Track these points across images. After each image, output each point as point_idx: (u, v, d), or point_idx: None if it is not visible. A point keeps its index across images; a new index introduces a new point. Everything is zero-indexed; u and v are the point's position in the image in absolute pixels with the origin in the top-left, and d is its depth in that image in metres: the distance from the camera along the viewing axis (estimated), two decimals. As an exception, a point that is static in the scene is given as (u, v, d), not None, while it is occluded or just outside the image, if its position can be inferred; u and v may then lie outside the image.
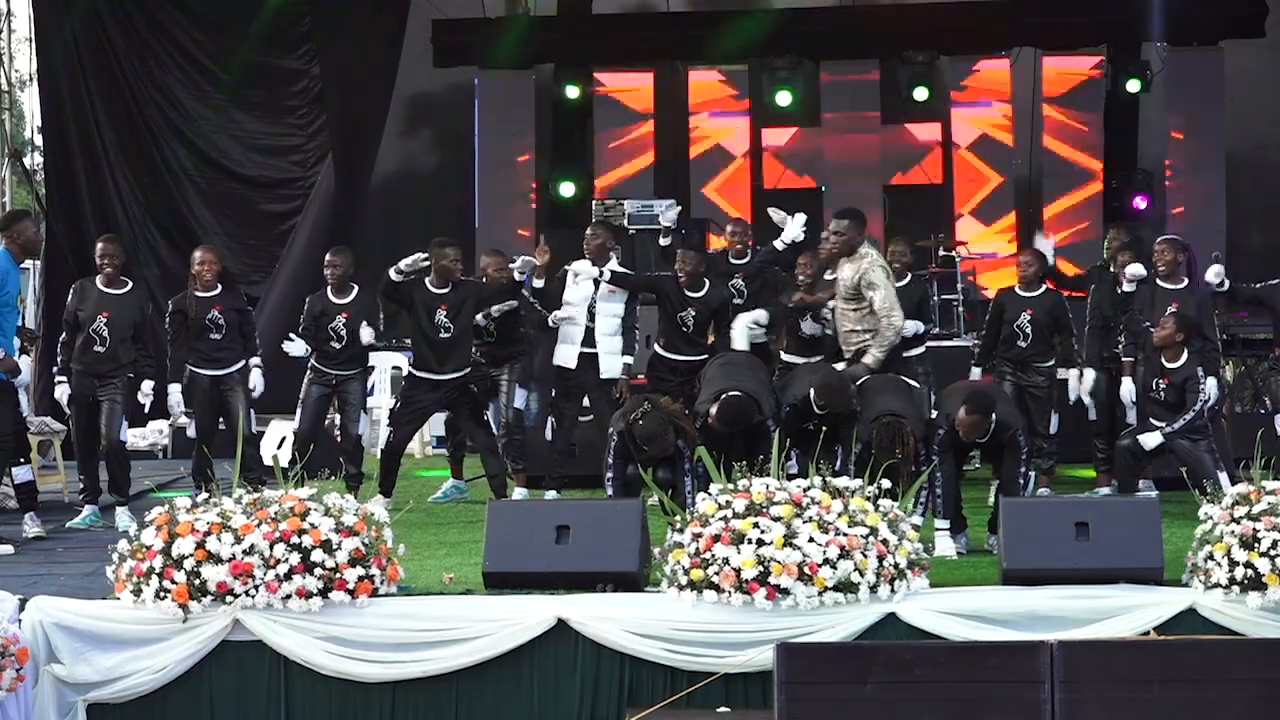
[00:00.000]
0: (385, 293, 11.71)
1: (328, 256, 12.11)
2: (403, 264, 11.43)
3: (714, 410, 10.02)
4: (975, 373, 11.89)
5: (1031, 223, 18.96)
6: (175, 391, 11.67)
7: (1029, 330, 11.75)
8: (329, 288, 12.00)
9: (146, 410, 11.95)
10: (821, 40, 19.00)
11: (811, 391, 10.05)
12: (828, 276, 11.24)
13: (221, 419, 11.74)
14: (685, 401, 10.71)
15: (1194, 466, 10.36)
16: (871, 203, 18.70)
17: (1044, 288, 11.91)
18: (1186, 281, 11.56)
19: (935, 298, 13.68)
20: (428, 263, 11.50)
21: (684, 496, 9.81)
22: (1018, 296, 11.92)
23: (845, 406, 9.97)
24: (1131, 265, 11.69)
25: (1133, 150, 19.29)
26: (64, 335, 11.54)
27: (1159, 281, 11.54)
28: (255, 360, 11.81)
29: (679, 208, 13.34)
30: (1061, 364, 11.85)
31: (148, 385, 11.44)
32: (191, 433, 11.82)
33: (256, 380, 11.77)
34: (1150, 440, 10.65)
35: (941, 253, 16.09)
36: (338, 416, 12.27)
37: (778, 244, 11.97)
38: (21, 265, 11.11)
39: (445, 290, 11.57)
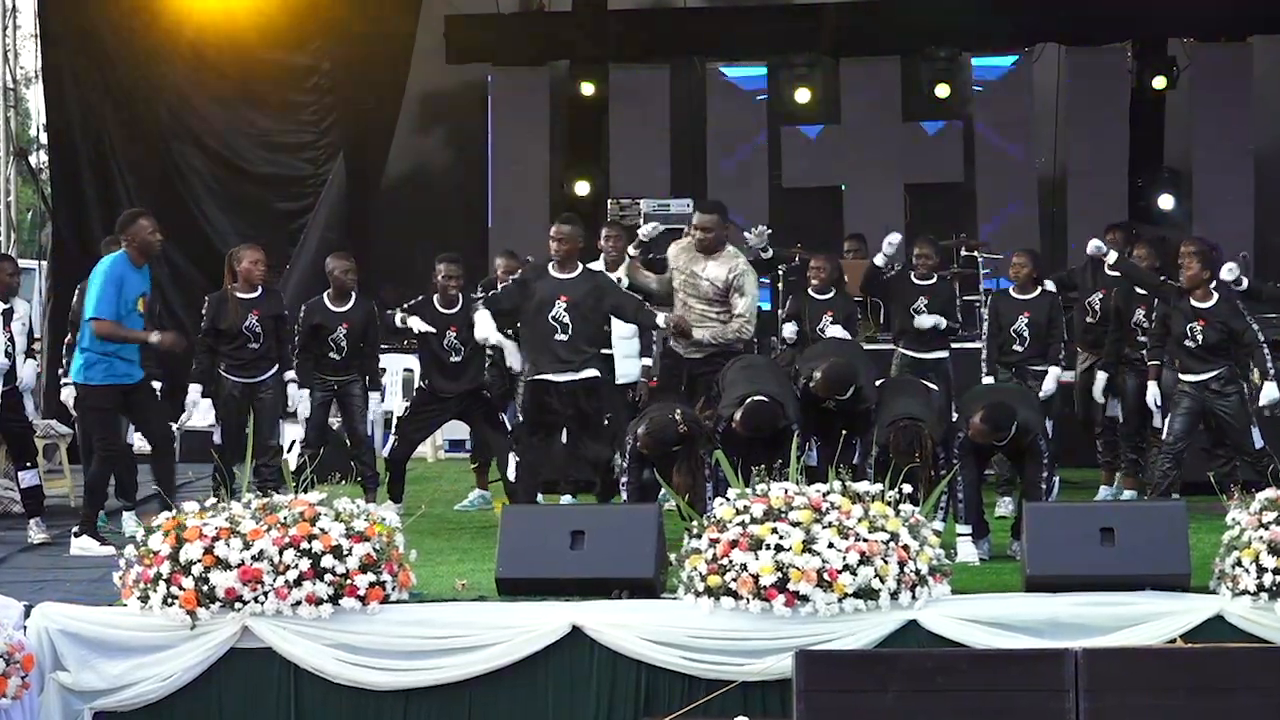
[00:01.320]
0: (388, 329, 11.57)
1: (341, 262, 11.67)
2: (411, 323, 11.28)
3: (739, 415, 9.88)
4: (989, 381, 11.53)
5: (1055, 221, 18.86)
6: (194, 391, 11.24)
7: (1026, 334, 11.59)
8: (328, 295, 11.63)
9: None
10: (841, 37, 18.88)
11: (813, 377, 9.97)
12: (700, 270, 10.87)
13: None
14: (706, 402, 10.59)
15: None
16: (892, 201, 18.66)
17: (1039, 290, 11.74)
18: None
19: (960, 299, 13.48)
20: (433, 330, 11.30)
21: (702, 502, 9.68)
22: (1013, 299, 11.76)
23: (842, 394, 9.92)
24: (1091, 242, 11.58)
25: (1159, 148, 19.19)
26: (69, 337, 11.40)
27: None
28: (290, 374, 11.35)
29: (660, 228, 12.84)
30: (1054, 364, 11.67)
31: (155, 387, 11.25)
32: (218, 438, 11.27)
33: (294, 395, 11.33)
34: (1271, 392, 10.49)
35: (963, 252, 15.93)
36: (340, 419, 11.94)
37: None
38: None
39: (455, 310, 11.37)
